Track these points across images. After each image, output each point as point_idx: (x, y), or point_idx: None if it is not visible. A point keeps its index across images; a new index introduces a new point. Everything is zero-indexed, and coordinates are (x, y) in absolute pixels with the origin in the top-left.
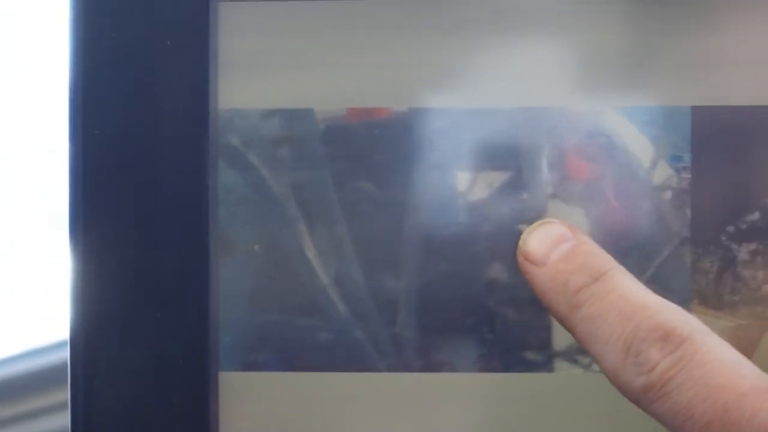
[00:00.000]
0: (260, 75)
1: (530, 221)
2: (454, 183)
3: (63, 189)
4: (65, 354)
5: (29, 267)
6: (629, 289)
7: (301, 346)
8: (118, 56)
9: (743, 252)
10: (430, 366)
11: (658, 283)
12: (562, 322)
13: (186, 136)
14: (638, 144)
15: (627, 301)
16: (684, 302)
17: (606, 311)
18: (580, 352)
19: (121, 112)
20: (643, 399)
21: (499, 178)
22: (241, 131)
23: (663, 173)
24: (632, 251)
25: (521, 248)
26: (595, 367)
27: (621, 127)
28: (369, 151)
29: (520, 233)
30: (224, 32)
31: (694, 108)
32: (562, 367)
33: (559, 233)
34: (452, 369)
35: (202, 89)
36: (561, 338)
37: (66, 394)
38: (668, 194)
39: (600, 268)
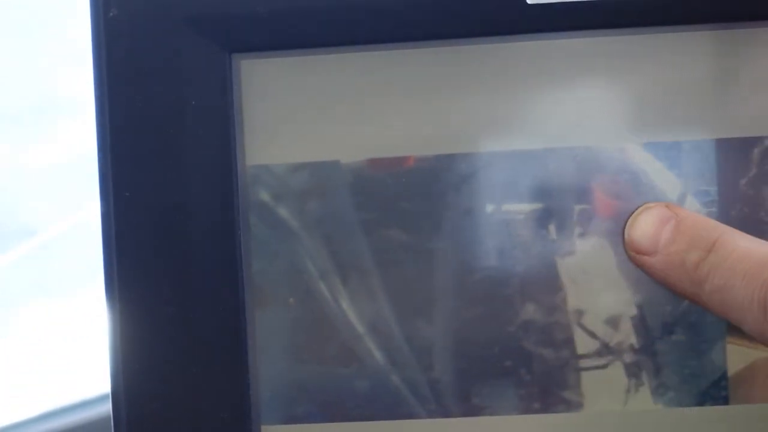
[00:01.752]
0: (285, 130)
1: (562, 260)
2: (483, 227)
3: (98, 249)
4: (108, 407)
5: (72, 326)
6: (744, 248)
7: (341, 396)
8: (145, 119)
9: None
10: (470, 410)
11: (693, 317)
12: (693, 300)
13: (215, 194)
14: (665, 180)
15: (746, 262)
16: (718, 334)
17: (730, 278)
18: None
19: (151, 174)
20: None
21: (527, 219)
22: (269, 186)
23: (691, 207)
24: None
25: (628, 243)
26: (635, 404)
27: (647, 163)
28: (396, 199)
29: (556, 267)
30: (247, 89)
31: (719, 141)
32: (596, 404)
33: (658, 217)
34: (492, 412)
35: (228, 147)
36: (596, 377)
37: None
38: None
39: (709, 238)
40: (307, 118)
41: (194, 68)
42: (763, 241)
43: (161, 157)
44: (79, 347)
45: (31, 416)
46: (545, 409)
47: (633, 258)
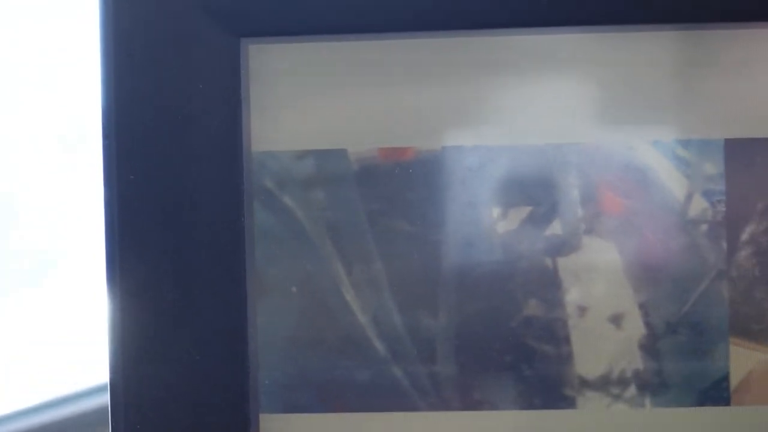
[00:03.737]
0: (292, 117)
1: (566, 257)
2: (489, 220)
3: (100, 234)
4: (106, 398)
5: (69, 308)
6: None
7: (341, 387)
8: (151, 101)
9: None
10: (469, 404)
11: (696, 317)
12: None
13: (220, 180)
14: (672, 178)
15: None
16: (722, 335)
17: None
18: (612, 385)
19: (156, 157)
20: None
21: (533, 214)
22: (275, 173)
23: (698, 206)
24: (670, 285)
25: None
26: (635, 402)
27: (654, 161)
28: (402, 189)
29: (560, 263)
30: (255, 75)
31: (728, 141)
32: (596, 401)
33: None
34: (492, 407)
35: (235, 132)
36: (596, 374)
37: None
38: (704, 227)
39: None
40: (315, 105)
41: (203, 51)
42: None
43: (167, 140)
44: (74, 337)
45: (26, 407)
46: (545, 405)
47: None
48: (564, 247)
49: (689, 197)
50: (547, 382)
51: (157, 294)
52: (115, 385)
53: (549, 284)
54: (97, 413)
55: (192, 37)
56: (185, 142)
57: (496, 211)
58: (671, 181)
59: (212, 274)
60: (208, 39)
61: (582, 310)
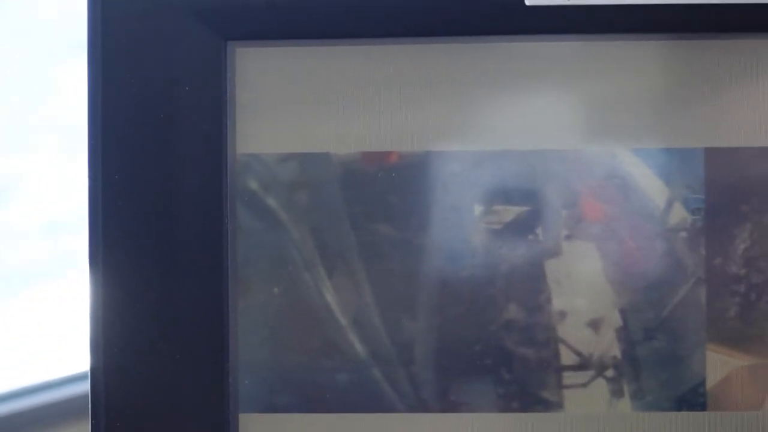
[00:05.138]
0: (277, 119)
1: (547, 262)
2: (471, 224)
3: (84, 231)
4: (84, 386)
5: (53, 306)
6: None
7: (321, 388)
8: (136, 102)
9: (757, 292)
10: (448, 406)
11: (674, 323)
12: None
13: (204, 181)
14: (653, 186)
15: None
16: (700, 342)
17: None
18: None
19: (140, 158)
20: None
21: (515, 219)
22: (259, 175)
23: (678, 214)
24: (648, 292)
25: None
26: (613, 407)
27: (635, 169)
28: (385, 193)
29: (541, 268)
30: (241, 77)
31: (708, 149)
32: (574, 405)
33: None
34: (471, 409)
35: (219, 134)
36: (575, 378)
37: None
38: (683, 235)
39: None
40: (300, 108)
41: (189, 54)
42: None
43: (152, 141)
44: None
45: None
46: (524, 408)
47: None
48: (545, 252)
49: (669, 205)
50: (526, 386)
51: (138, 293)
52: (95, 384)
53: (530, 289)
54: (72, 402)
55: (178, 39)
56: (170, 142)
57: (478, 216)
58: (652, 189)
59: (194, 274)
60: (194, 41)
61: (562, 314)
